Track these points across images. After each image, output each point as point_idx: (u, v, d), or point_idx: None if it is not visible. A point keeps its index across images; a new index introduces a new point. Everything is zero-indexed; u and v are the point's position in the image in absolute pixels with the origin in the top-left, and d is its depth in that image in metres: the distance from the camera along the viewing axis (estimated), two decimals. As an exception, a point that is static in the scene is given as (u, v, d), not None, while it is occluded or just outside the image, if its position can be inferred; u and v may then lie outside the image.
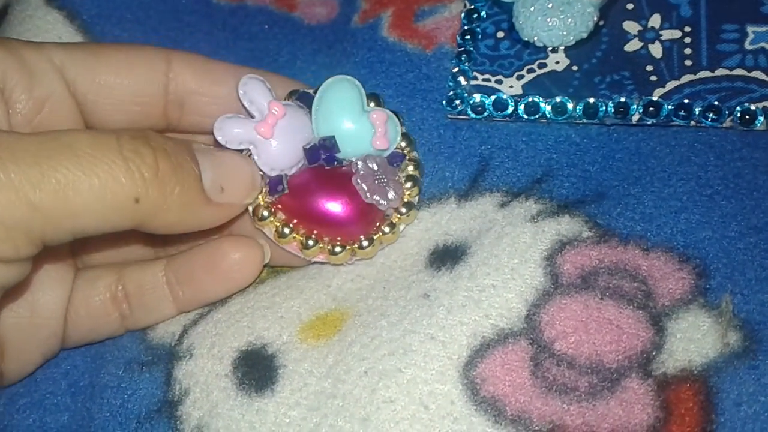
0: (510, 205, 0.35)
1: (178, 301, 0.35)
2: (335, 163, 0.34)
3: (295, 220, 0.34)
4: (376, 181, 0.34)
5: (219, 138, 0.33)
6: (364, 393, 0.31)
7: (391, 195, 0.34)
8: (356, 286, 0.35)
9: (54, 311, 0.34)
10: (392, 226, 0.35)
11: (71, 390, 0.35)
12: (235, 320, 0.34)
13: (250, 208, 0.34)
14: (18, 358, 0.34)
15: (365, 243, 0.35)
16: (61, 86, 0.33)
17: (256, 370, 0.33)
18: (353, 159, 0.34)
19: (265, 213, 0.34)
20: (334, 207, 0.34)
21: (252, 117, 0.34)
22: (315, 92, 0.35)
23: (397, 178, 0.35)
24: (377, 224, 0.35)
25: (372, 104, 0.35)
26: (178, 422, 0.33)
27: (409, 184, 0.35)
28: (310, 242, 0.34)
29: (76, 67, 0.33)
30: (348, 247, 0.34)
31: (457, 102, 0.38)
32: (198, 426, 0.32)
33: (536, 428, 0.29)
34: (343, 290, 0.35)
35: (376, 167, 0.34)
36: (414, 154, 0.36)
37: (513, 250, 0.33)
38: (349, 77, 0.34)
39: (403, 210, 0.35)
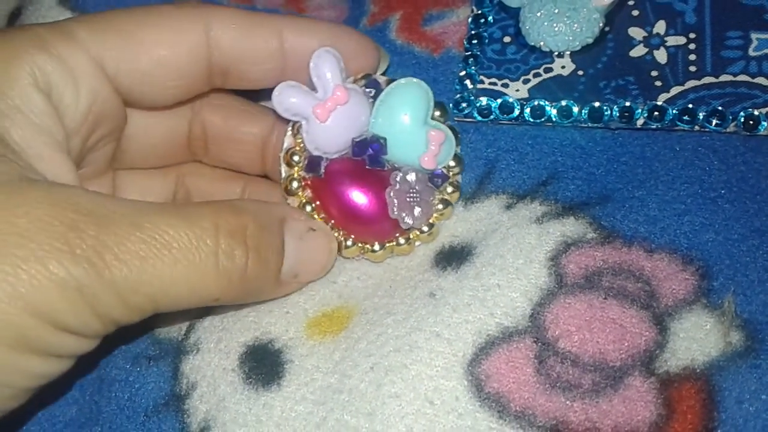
0: (515, 207, 0.35)
1: None
2: (378, 166, 0.34)
3: (318, 202, 0.34)
4: (408, 198, 0.34)
5: (275, 104, 0.33)
6: (370, 388, 0.31)
7: (417, 213, 0.34)
8: (362, 284, 0.35)
9: None
10: (408, 239, 0.35)
11: (79, 383, 0.35)
12: (242, 315, 0.34)
13: (284, 173, 0.34)
14: None
15: (377, 247, 0.35)
16: (105, 85, 0.32)
17: (263, 365, 0.33)
18: (396, 165, 0.34)
19: (295, 185, 0.34)
20: (360, 199, 0.34)
21: (315, 90, 0.33)
22: (386, 84, 0.34)
23: (431, 198, 0.35)
24: (396, 234, 0.35)
25: (438, 113, 0.34)
26: (185, 416, 0.33)
27: (441, 206, 0.35)
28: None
29: (115, 60, 0.31)
30: (359, 244, 0.35)
31: (464, 105, 0.38)
32: (205, 419, 0.32)
33: (540, 424, 0.29)
34: (349, 287, 0.35)
35: (413, 183, 0.34)
36: (458, 178, 0.35)
37: (518, 251, 0.33)
38: (423, 83, 0.34)
39: (425, 229, 0.35)
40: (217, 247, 0.29)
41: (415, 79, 0.34)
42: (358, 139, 0.34)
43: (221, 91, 0.36)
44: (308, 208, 0.34)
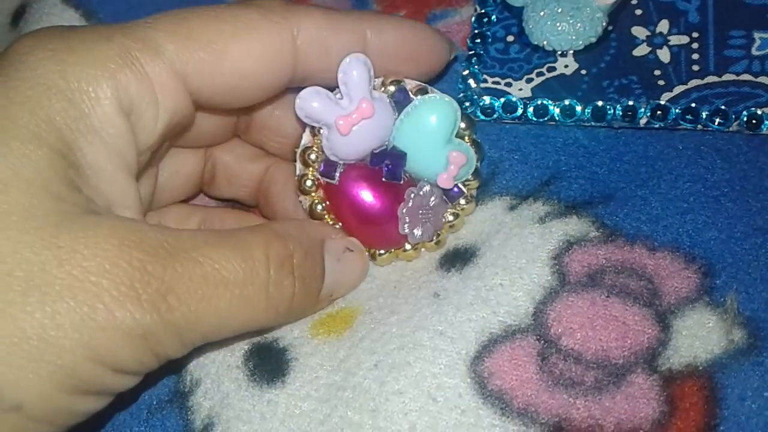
0: (519, 208, 0.35)
1: None
2: (394, 180, 0.33)
3: (328, 202, 0.34)
4: (420, 213, 0.34)
5: (297, 109, 0.32)
6: (373, 385, 0.31)
7: (426, 228, 0.34)
8: (367, 285, 0.35)
9: None
10: (415, 246, 0.35)
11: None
12: (247, 314, 0.35)
13: (299, 171, 0.34)
14: None
15: (382, 251, 0.35)
16: (184, 100, 0.31)
17: (268, 362, 0.33)
18: (413, 176, 0.34)
19: (308, 184, 0.34)
20: (370, 204, 0.34)
21: (341, 97, 0.32)
22: (415, 90, 0.33)
23: (443, 212, 0.35)
24: (403, 242, 0.35)
25: (463, 125, 0.33)
26: (188, 412, 0.33)
27: (451, 218, 0.35)
28: (336, 227, 0.35)
29: (199, 74, 0.30)
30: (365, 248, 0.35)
31: (467, 104, 0.38)
32: (209, 416, 0.33)
33: (543, 421, 0.30)
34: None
35: (427, 200, 0.34)
36: (473, 191, 0.35)
37: (521, 251, 0.34)
38: (453, 101, 0.33)
39: (432, 240, 0.35)
40: (268, 279, 0.29)
41: (447, 97, 0.33)
42: (377, 151, 0.33)
43: None
44: (319, 208, 0.34)
